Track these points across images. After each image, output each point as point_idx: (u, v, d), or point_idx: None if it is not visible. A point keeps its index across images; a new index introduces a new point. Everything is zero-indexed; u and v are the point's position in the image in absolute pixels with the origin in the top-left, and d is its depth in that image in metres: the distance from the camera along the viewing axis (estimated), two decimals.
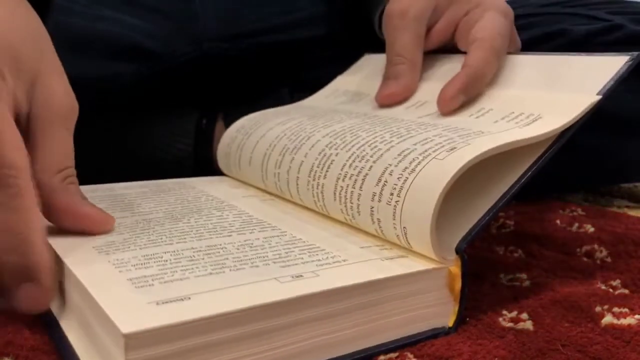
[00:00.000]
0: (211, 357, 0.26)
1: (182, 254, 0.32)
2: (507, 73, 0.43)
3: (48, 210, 0.33)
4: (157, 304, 0.26)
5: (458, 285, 0.32)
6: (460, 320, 0.32)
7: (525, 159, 0.34)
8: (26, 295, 0.28)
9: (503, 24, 0.44)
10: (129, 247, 0.33)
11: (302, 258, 0.32)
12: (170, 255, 0.32)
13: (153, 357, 0.24)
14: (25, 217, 0.28)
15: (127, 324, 0.24)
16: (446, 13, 0.47)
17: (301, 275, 0.29)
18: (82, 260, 0.31)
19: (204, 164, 0.59)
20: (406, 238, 0.32)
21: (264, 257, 0.32)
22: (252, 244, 0.34)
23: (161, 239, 0.34)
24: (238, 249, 0.33)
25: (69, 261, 0.31)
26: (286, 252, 0.33)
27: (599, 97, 0.36)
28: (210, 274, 0.29)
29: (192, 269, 0.30)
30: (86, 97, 0.53)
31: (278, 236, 0.35)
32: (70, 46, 0.43)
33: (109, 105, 0.54)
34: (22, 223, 0.28)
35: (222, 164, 0.52)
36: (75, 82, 0.52)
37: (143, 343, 0.24)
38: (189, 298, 0.27)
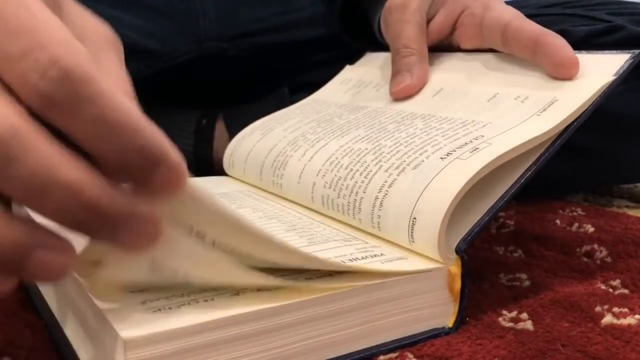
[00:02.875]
0: (210, 357, 0.26)
1: None
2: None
3: None
4: (157, 309, 0.26)
5: (458, 285, 0.32)
6: (460, 320, 0.32)
7: (525, 158, 0.34)
8: (162, 178, 0.23)
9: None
10: None
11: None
12: None
13: (153, 358, 0.24)
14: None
15: (127, 330, 0.24)
16: (443, 7, 0.47)
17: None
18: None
19: (204, 164, 0.59)
20: (412, 231, 0.32)
21: None
22: None
23: None
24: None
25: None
26: None
27: (614, 77, 0.36)
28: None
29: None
30: None
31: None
32: None
33: None
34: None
35: (226, 161, 0.51)
36: None
37: (143, 345, 0.24)
38: (189, 303, 0.27)
